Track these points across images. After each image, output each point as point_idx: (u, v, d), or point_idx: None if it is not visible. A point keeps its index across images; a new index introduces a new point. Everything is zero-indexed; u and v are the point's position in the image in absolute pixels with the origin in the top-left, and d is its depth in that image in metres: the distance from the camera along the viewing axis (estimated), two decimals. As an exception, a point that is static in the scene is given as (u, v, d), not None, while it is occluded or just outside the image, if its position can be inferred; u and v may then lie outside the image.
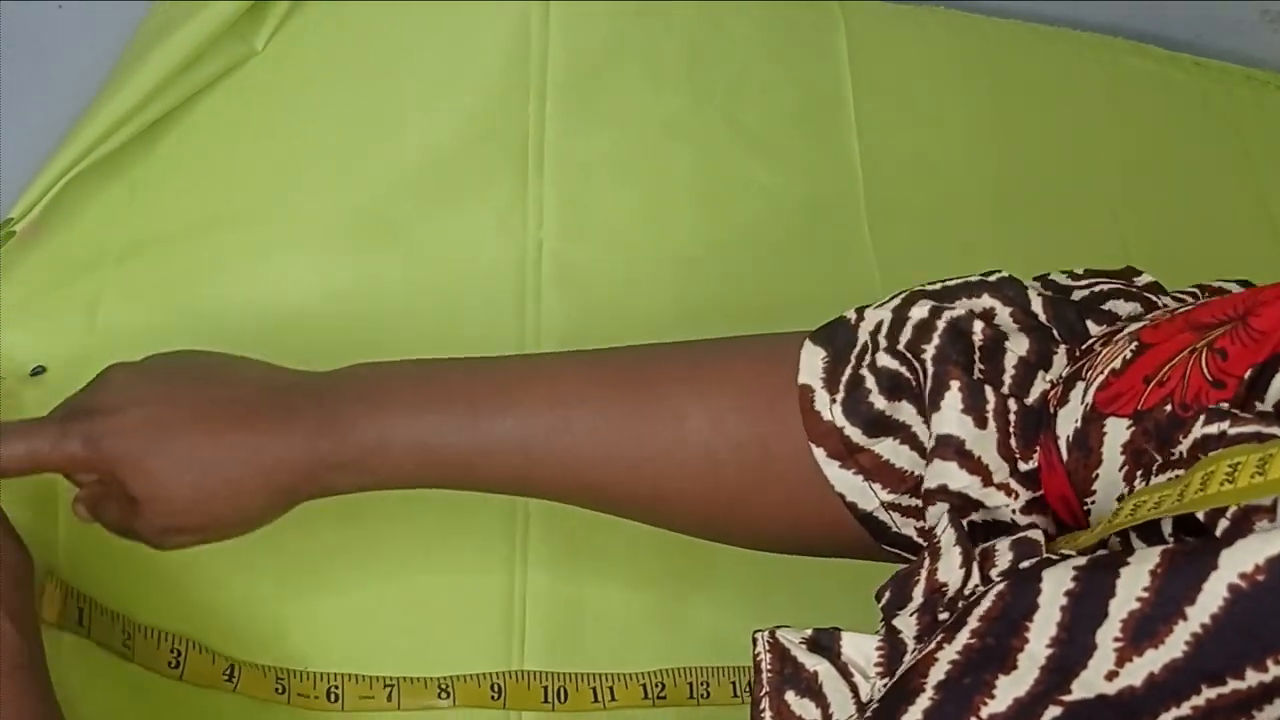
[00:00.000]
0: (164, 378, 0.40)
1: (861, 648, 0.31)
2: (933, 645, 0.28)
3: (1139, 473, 0.31)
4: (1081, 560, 0.27)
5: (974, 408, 0.35)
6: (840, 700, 0.30)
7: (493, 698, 0.51)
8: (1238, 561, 0.23)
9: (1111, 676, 0.24)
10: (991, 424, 0.35)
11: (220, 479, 0.38)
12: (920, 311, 0.37)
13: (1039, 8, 0.80)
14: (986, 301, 0.37)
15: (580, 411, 0.40)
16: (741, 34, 0.69)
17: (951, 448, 0.35)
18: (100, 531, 0.41)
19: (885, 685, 0.29)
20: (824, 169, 0.68)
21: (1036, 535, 0.31)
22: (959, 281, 0.38)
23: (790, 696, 0.31)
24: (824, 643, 0.31)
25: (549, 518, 0.56)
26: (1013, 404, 0.35)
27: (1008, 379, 0.36)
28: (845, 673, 0.31)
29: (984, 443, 0.35)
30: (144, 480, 0.38)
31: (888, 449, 0.37)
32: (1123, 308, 0.37)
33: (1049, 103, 0.77)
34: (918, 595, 0.32)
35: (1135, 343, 0.33)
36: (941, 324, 0.36)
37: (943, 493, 0.35)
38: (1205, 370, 0.30)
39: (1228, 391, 0.29)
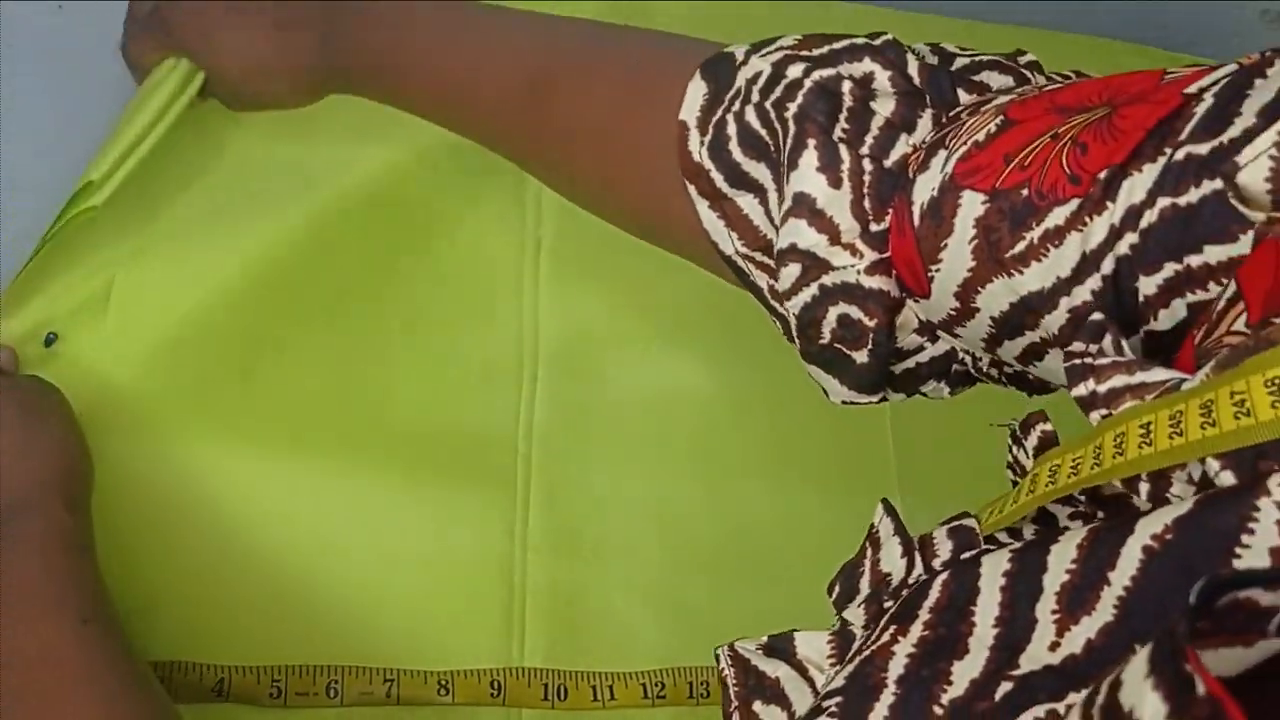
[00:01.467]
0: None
1: (813, 644, 0.32)
2: (886, 638, 0.28)
3: (986, 249, 0.31)
4: (1017, 544, 0.27)
5: (829, 166, 0.35)
6: (800, 699, 0.31)
7: (492, 694, 0.51)
8: (1150, 525, 0.24)
9: (1054, 647, 0.25)
10: (846, 184, 0.35)
11: (257, 62, 0.48)
12: (795, 71, 0.38)
13: (1039, 8, 0.80)
14: (867, 65, 0.37)
15: (492, 61, 0.45)
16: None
17: (805, 206, 0.36)
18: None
19: (839, 672, 0.29)
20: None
21: (971, 523, 0.31)
22: (844, 44, 0.38)
23: (757, 706, 0.31)
24: (779, 647, 0.32)
25: (550, 512, 0.56)
26: (869, 164, 0.35)
27: (869, 139, 0.36)
28: (802, 670, 0.31)
29: (837, 202, 0.35)
30: (206, 56, 0.49)
31: (746, 204, 0.39)
32: (996, 79, 0.37)
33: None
34: (864, 587, 0.32)
35: (1001, 116, 0.33)
36: (809, 83, 0.37)
37: (793, 251, 0.36)
38: (1065, 163, 0.30)
39: (1081, 188, 0.29)
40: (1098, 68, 0.77)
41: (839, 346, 0.37)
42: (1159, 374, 0.26)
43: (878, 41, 0.38)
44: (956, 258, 0.33)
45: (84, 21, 0.57)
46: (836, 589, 0.33)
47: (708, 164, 0.39)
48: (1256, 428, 0.23)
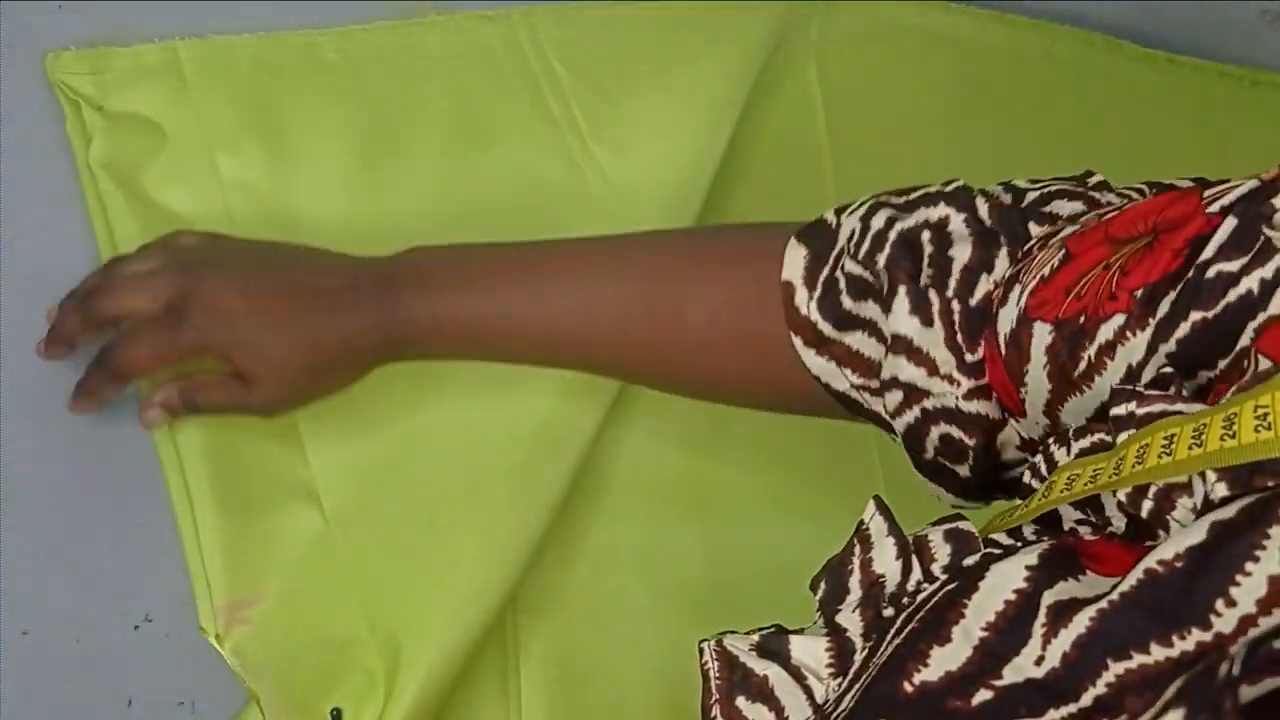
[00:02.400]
0: (253, 269, 0.47)
1: (811, 650, 0.31)
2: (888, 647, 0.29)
3: (1058, 373, 0.34)
4: (1033, 558, 0.28)
5: (920, 309, 0.39)
6: (795, 703, 0.31)
7: None
8: (1160, 551, 0.24)
9: (1039, 661, 0.25)
10: (938, 322, 0.39)
11: (321, 353, 0.47)
12: (878, 223, 0.41)
13: (1039, 8, 0.79)
14: (942, 210, 0.40)
15: (600, 301, 0.46)
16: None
17: (902, 344, 0.39)
18: None
19: (840, 685, 0.30)
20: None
21: (968, 527, 0.32)
22: (920, 193, 0.42)
23: (741, 702, 0.31)
24: (772, 647, 0.32)
25: (537, 569, 0.55)
26: (956, 305, 0.39)
27: (953, 283, 0.39)
28: (798, 675, 0.31)
29: (931, 339, 0.39)
30: (258, 360, 0.46)
31: (856, 340, 0.42)
32: (1065, 208, 0.39)
33: (1019, 100, 0.76)
34: (854, 587, 0.32)
35: (1062, 250, 0.36)
36: (893, 235, 0.40)
37: (895, 383, 0.40)
38: (1112, 288, 0.33)
39: (1120, 304, 0.32)
40: (1070, 65, 0.78)
41: (943, 461, 0.40)
42: (1198, 406, 0.27)
43: (949, 189, 0.41)
44: (1037, 382, 0.35)
45: (84, 21, 0.57)
46: (822, 587, 0.33)
47: (815, 316, 0.42)
48: (1275, 441, 0.23)
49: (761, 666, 0.31)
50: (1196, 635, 0.23)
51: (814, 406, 0.45)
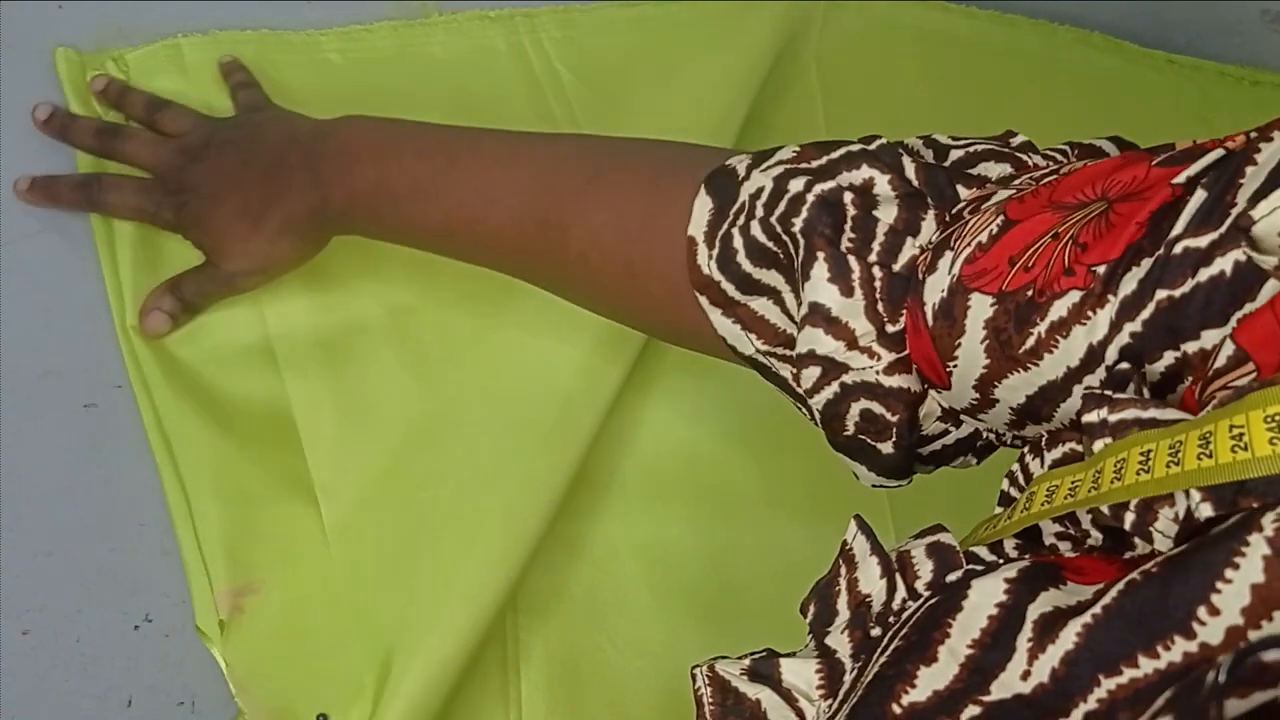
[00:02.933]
0: (230, 172, 0.53)
1: (801, 672, 0.31)
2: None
3: (998, 348, 0.33)
4: (1013, 572, 0.27)
5: (840, 277, 0.37)
6: None
7: None
8: (1140, 562, 0.24)
9: (1025, 676, 0.25)
10: (858, 291, 0.37)
11: (262, 232, 0.52)
12: (796, 185, 0.39)
13: (1039, 7, 0.79)
14: (865, 172, 0.38)
15: (495, 206, 0.47)
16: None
17: (820, 315, 0.37)
18: None
19: (830, 706, 0.30)
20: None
21: (949, 540, 0.32)
22: (841, 153, 0.40)
23: None
24: (763, 671, 0.32)
25: (537, 569, 0.55)
26: (879, 271, 0.37)
27: (876, 246, 0.37)
28: (789, 698, 0.31)
29: (851, 309, 0.37)
30: (214, 240, 0.53)
31: (760, 306, 0.40)
32: (993, 169, 0.38)
33: (1019, 99, 0.76)
34: (843, 608, 0.32)
35: (1001, 217, 0.34)
36: (812, 197, 0.38)
37: (811, 356, 0.37)
38: (1066, 261, 0.31)
39: (1077, 279, 0.31)
40: (1068, 64, 0.78)
41: (863, 438, 0.39)
42: (1171, 413, 0.27)
43: (873, 146, 0.39)
44: (971, 355, 0.34)
45: (84, 21, 0.57)
46: (812, 610, 0.33)
47: (717, 275, 0.41)
48: (1252, 462, 0.23)
49: (754, 691, 0.31)
50: (1182, 645, 0.23)
51: (703, 346, 0.44)
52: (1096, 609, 0.24)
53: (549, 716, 0.52)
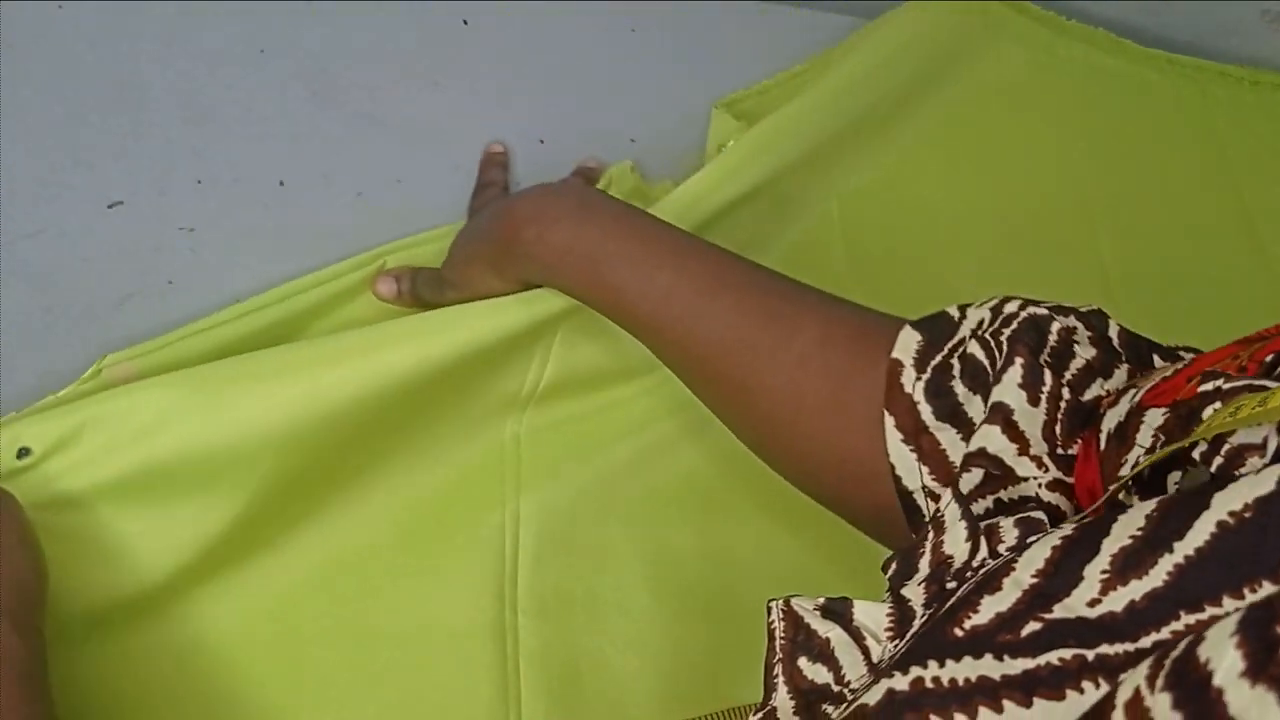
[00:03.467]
0: (466, 238, 0.56)
1: (873, 614, 0.32)
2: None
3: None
4: (1076, 520, 0.29)
5: (1031, 385, 0.37)
6: (851, 663, 0.32)
7: None
8: (1228, 501, 0.25)
9: (1094, 604, 0.26)
10: (1043, 404, 0.37)
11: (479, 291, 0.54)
12: (1011, 307, 0.41)
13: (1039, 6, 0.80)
14: (1072, 321, 0.40)
15: (720, 301, 0.45)
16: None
17: (1000, 414, 0.37)
18: None
19: (897, 646, 0.30)
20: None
21: (1040, 516, 0.32)
22: (1055, 303, 0.41)
23: (803, 662, 0.32)
24: (837, 610, 0.33)
25: (537, 571, 0.55)
26: (1067, 392, 0.37)
27: (1069, 374, 0.38)
28: (858, 637, 0.32)
29: (1031, 419, 0.37)
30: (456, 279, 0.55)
31: (948, 439, 0.39)
32: (1189, 355, 0.39)
33: (1018, 103, 0.77)
34: (924, 567, 0.33)
35: (1190, 355, 0.36)
36: (1024, 315, 0.40)
37: (981, 455, 0.37)
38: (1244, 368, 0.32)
39: (1247, 373, 0.31)
40: (1070, 64, 0.78)
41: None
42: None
43: (1083, 308, 0.41)
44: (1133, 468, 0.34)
45: (84, 21, 0.57)
46: (893, 566, 0.34)
47: (919, 396, 0.40)
48: None
49: (825, 628, 0.32)
50: (1268, 588, 0.23)
51: (860, 489, 0.42)
52: (1189, 550, 0.25)
53: (549, 716, 0.52)
